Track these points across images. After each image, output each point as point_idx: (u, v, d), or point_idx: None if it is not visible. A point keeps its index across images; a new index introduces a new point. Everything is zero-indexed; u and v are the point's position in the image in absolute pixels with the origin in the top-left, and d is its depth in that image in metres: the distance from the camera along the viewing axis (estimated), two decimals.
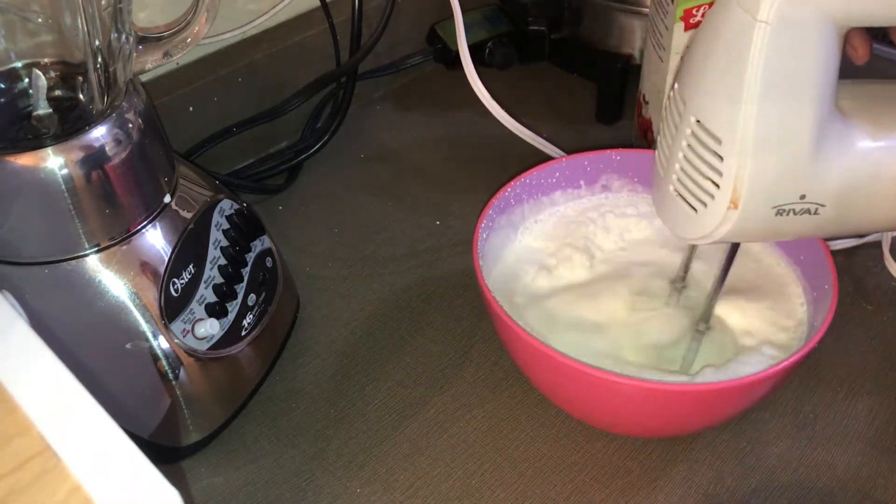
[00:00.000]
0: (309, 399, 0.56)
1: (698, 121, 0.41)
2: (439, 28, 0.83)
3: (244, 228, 0.54)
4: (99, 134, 0.45)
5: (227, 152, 0.71)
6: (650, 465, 0.52)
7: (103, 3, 0.44)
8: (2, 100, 0.47)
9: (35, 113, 0.46)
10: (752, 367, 0.49)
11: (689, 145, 0.42)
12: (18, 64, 0.47)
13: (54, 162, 0.43)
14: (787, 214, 0.41)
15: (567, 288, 0.55)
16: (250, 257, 0.54)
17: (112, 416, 0.31)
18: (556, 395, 0.52)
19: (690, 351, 0.51)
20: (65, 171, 0.43)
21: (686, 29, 0.60)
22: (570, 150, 0.67)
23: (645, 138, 0.69)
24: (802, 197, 0.41)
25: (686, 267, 0.54)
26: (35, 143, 0.43)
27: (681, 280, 0.54)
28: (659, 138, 0.46)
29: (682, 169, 0.43)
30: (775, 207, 0.41)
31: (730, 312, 0.53)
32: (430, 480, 0.51)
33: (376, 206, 0.71)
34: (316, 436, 0.54)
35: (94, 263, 0.46)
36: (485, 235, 0.54)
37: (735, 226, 0.41)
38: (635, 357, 0.51)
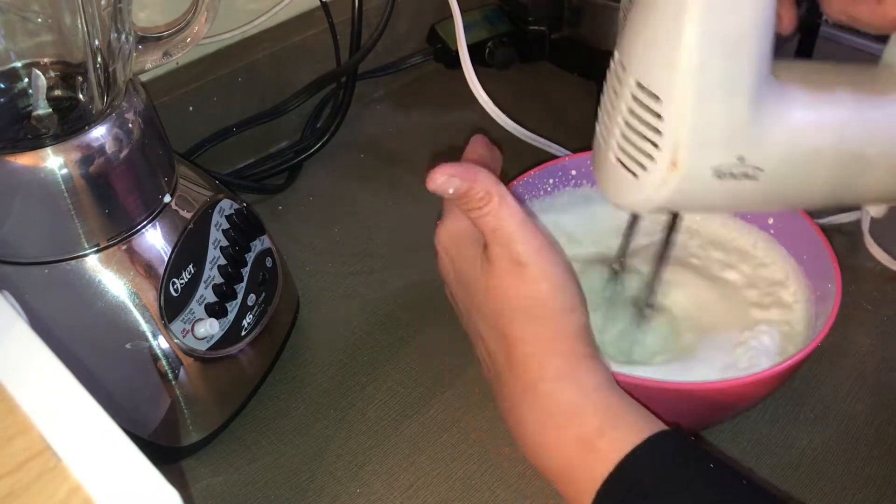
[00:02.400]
0: (309, 399, 0.56)
1: (639, 83, 0.41)
2: (439, 28, 0.83)
3: (244, 228, 0.54)
4: (99, 134, 0.45)
5: (227, 152, 0.71)
6: None
7: (103, 2, 0.44)
8: (2, 100, 0.47)
9: (35, 113, 0.46)
10: (749, 367, 0.49)
11: (629, 109, 0.42)
12: (18, 64, 0.47)
13: (54, 162, 0.43)
14: (727, 178, 0.41)
15: None
16: (250, 257, 0.54)
17: (112, 416, 0.31)
18: None
19: (636, 338, 0.51)
20: (64, 170, 0.43)
21: None
22: (570, 150, 0.67)
23: None
24: (741, 159, 0.41)
25: (624, 249, 0.53)
26: (35, 142, 0.43)
27: (618, 264, 0.54)
28: (599, 111, 0.46)
29: (622, 134, 0.42)
30: (714, 168, 0.41)
31: (722, 306, 0.53)
32: (430, 480, 0.51)
33: (376, 206, 0.71)
34: (316, 436, 0.54)
35: (93, 263, 0.46)
36: None
37: (676, 189, 0.41)
38: None
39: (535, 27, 0.83)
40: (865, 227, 0.65)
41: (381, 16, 0.72)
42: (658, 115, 0.40)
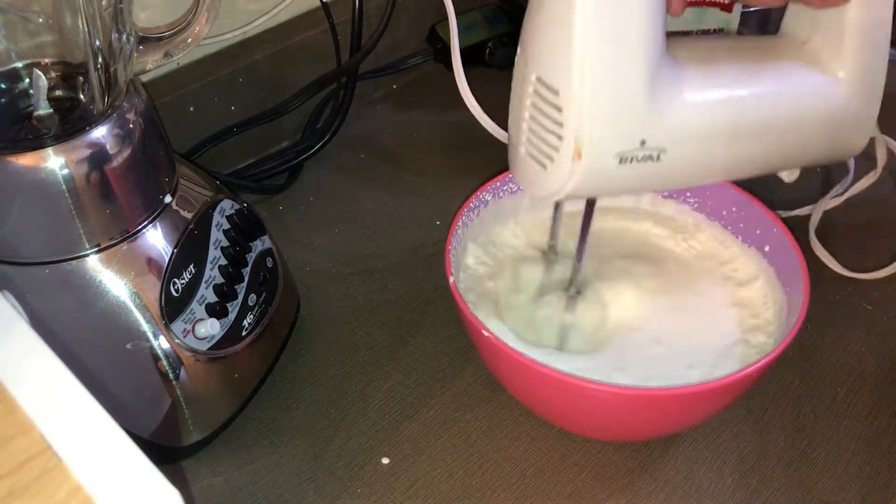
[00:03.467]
0: (309, 399, 0.56)
1: (538, 77, 0.42)
2: (440, 28, 0.83)
3: (245, 228, 0.54)
4: (99, 134, 0.45)
5: (228, 152, 0.71)
6: (650, 465, 0.52)
7: (104, 3, 0.44)
8: (2, 100, 0.47)
9: (36, 113, 0.46)
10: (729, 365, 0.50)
11: (532, 104, 0.43)
12: (19, 64, 0.47)
13: (55, 162, 0.43)
14: (631, 162, 0.42)
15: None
16: (251, 257, 0.54)
17: (112, 416, 0.31)
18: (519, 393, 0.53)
19: (566, 317, 0.52)
20: (65, 171, 0.43)
21: None
22: None
23: None
24: (643, 143, 0.42)
25: (553, 235, 0.55)
26: (36, 143, 0.43)
27: (552, 251, 0.55)
28: (510, 106, 0.46)
29: (529, 129, 0.43)
30: (618, 155, 0.42)
31: (694, 306, 0.54)
32: (430, 480, 0.51)
33: (376, 206, 0.71)
34: (316, 436, 0.54)
35: (94, 263, 0.46)
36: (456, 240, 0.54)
37: (582, 177, 0.42)
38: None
39: None
40: (813, 227, 0.65)
41: (381, 16, 0.72)
42: (558, 108, 0.41)
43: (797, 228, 0.64)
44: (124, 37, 0.46)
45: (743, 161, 0.45)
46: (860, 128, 0.47)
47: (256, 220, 0.55)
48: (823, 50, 0.45)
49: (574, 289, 0.52)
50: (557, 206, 0.53)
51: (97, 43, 0.45)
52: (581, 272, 0.52)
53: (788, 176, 0.50)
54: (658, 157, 0.42)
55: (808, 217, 0.67)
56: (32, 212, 0.44)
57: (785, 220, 0.54)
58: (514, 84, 0.45)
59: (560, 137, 0.41)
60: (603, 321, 0.53)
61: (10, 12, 0.45)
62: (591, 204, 0.49)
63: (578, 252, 0.50)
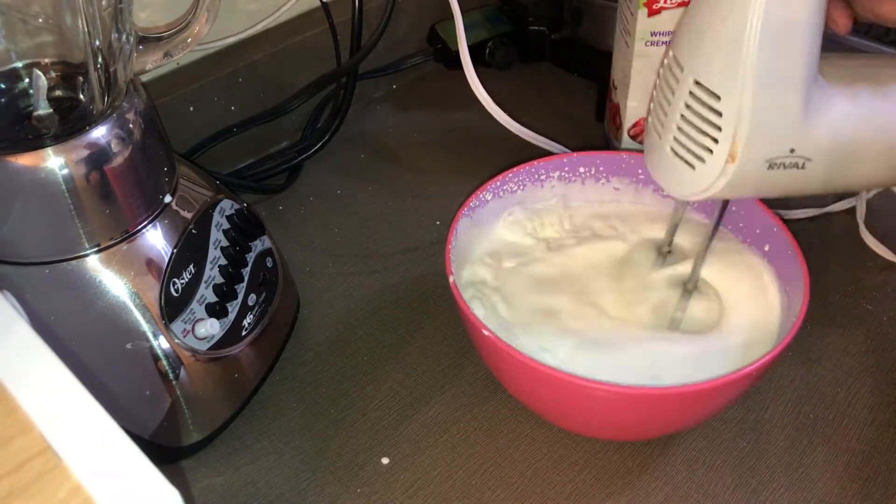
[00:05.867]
0: (309, 399, 0.56)
1: (697, 81, 0.44)
2: (439, 28, 0.84)
3: (244, 228, 0.54)
4: (99, 134, 0.45)
5: (228, 152, 0.71)
6: (650, 465, 0.52)
7: (104, 3, 0.44)
8: (2, 100, 0.47)
9: (35, 113, 0.46)
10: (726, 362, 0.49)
11: (687, 105, 0.45)
12: (19, 64, 0.47)
13: (55, 162, 0.43)
14: (778, 168, 0.45)
15: (548, 260, 0.57)
16: (250, 257, 0.54)
17: (112, 416, 0.31)
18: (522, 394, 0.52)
19: (678, 310, 0.53)
20: (65, 171, 0.43)
21: (650, 15, 0.61)
22: (570, 149, 0.67)
23: (614, 122, 0.70)
24: (792, 151, 0.44)
25: (672, 233, 0.56)
26: (35, 143, 0.43)
27: (667, 246, 0.56)
28: (652, 105, 0.48)
29: (679, 128, 0.45)
30: (768, 160, 0.44)
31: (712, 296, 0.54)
32: (430, 480, 0.51)
33: (376, 206, 0.71)
34: (316, 436, 0.54)
35: (94, 263, 0.46)
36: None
37: (731, 179, 0.44)
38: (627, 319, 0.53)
39: (535, 27, 0.83)
40: (861, 217, 0.66)
41: (381, 16, 0.72)
42: (717, 112, 0.43)
43: (844, 222, 0.66)
44: (124, 37, 0.46)
45: (873, 174, 0.48)
46: None
47: (256, 220, 0.55)
48: None
49: (693, 284, 0.53)
50: (681, 204, 0.55)
51: (97, 43, 0.45)
52: (700, 268, 0.53)
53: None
54: (803, 166, 0.45)
55: (852, 209, 0.67)
56: (32, 212, 0.44)
57: (829, 215, 0.55)
58: (658, 82, 0.47)
59: (716, 140, 0.44)
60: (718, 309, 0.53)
61: (10, 13, 0.45)
62: (725, 203, 0.50)
63: (704, 248, 0.52)
